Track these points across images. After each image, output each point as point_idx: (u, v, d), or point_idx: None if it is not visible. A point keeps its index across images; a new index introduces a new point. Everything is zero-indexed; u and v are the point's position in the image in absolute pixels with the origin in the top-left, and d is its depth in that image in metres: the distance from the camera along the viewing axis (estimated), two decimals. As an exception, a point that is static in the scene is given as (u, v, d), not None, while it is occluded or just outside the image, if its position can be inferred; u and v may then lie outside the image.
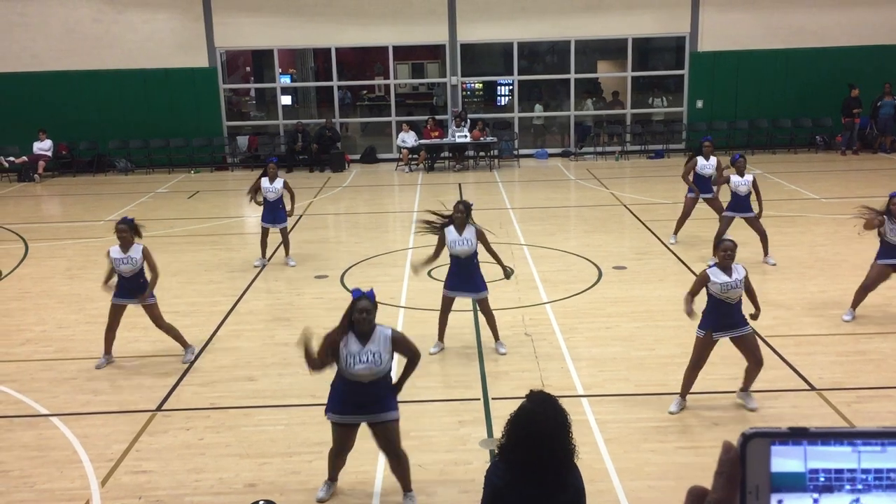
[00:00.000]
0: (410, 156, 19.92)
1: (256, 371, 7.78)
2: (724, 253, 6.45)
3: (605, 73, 23.20)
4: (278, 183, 11.02)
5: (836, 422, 6.39)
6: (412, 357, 5.32)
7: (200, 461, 6.11)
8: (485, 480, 3.71)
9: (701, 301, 6.64)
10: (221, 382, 7.57)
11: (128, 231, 7.79)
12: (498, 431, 3.80)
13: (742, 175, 10.63)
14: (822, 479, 0.86)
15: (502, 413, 3.81)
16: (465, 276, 7.76)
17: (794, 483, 0.87)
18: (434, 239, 7.99)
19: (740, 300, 6.48)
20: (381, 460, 5.98)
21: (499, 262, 7.91)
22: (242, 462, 6.08)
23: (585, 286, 10.08)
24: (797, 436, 0.88)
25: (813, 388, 7.01)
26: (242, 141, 21.26)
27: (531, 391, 3.81)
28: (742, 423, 6.44)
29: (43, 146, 19.83)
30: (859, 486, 0.86)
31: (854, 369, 7.42)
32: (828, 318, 8.70)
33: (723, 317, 6.45)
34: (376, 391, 5.22)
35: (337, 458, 5.50)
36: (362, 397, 5.20)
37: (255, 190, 11.10)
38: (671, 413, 6.63)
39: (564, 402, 3.81)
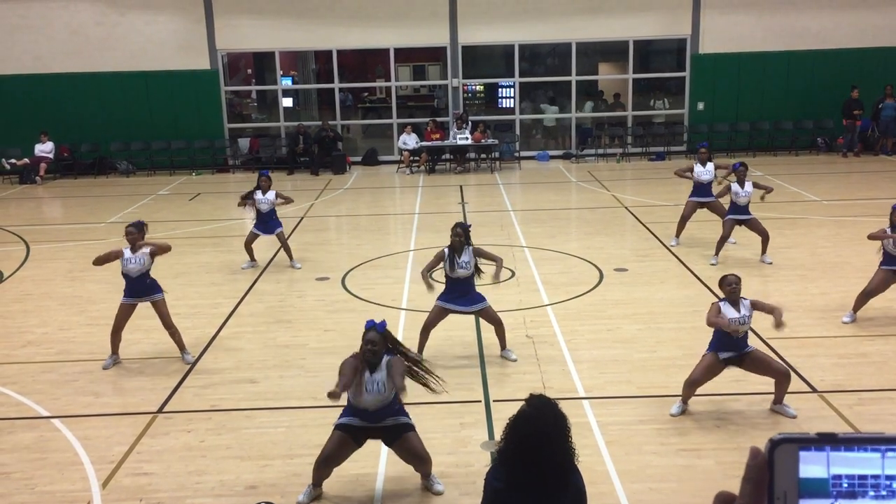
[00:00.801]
0: (411, 158, 19.93)
1: (258, 373, 7.78)
2: (730, 288, 6.45)
3: (606, 75, 23.21)
4: (270, 195, 11.11)
5: (837, 424, 6.38)
6: (394, 386, 5.31)
7: (201, 463, 6.11)
8: (484, 484, 3.71)
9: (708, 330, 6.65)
10: (223, 384, 7.57)
11: (135, 233, 7.92)
12: (499, 433, 3.81)
13: (742, 185, 10.67)
14: (845, 485, 0.86)
15: (503, 415, 3.81)
16: (461, 293, 7.74)
17: (817, 489, 0.86)
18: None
19: (747, 333, 6.51)
20: (383, 461, 5.99)
21: (497, 263, 7.84)
22: (243, 464, 6.08)
23: (587, 288, 10.08)
24: (826, 441, 0.87)
25: (814, 391, 7.01)
26: (244, 143, 21.28)
27: (531, 395, 3.81)
28: (743, 426, 6.44)
29: (44, 148, 19.85)
30: (883, 493, 0.85)
31: (856, 371, 7.41)
32: (829, 320, 8.69)
33: (729, 345, 6.48)
34: (392, 402, 5.40)
35: (323, 468, 5.49)
36: (371, 417, 5.39)
37: (247, 199, 11.24)
38: (672, 415, 6.63)
39: (565, 405, 3.81)
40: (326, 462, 5.45)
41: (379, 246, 12.60)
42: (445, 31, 20.44)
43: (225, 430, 6.64)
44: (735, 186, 10.70)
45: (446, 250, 7.68)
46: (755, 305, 6.50)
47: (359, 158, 21.30)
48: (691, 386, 6.58)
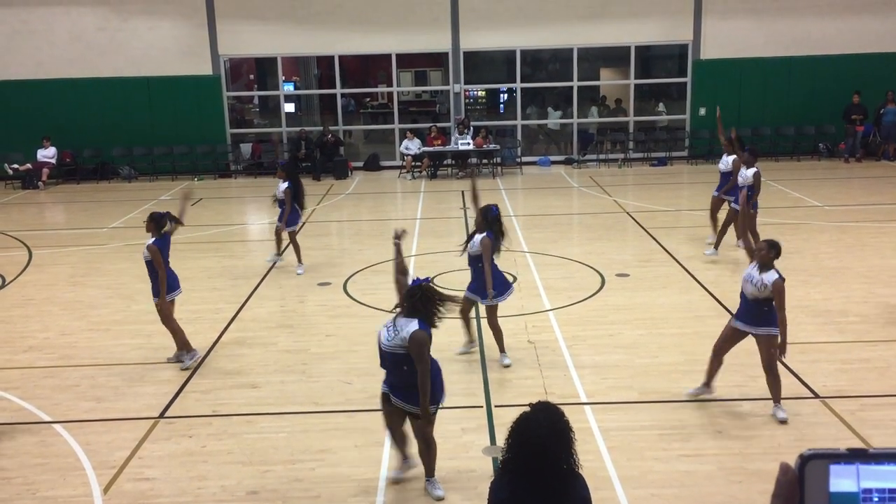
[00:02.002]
0: (413, 163, 19.95)
1: (259, 378, 7.78)
2: (760, 253, 6.41)
3: (607, 80, 23.22)
4: (282, 185, 11.30)
5: (840, 430, 6.37)
6: (413, 365, 5.30)
7: (203, 468, 6.11)
8: (489, 494, 3.67)
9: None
10: (224, 389, 7.57)
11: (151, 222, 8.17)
12: (501, 439, 3.80)
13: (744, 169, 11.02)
14: (875, 498, 0.86)
15: (505, 420, 3.80)
16: (474, 277, 7.87)
17: (847, 503, 0.86)
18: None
19: (758, 303, 6.38)
20: (385, 460, 6.02)
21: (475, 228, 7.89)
22: (245, 469, 6.07)
23: (588, 293, 10.07)
24: (856, 457, 0.87)
25: (817, 397, 6.99)
26: (246, 148, 21.31)
27: (538, 402, 3.78)
28: (745, 432, 6.42)
29: (47, 153, 19.89)
30: None
31: (858, 377, 7.40)
32: (831, 325, 8.68)
33: (742, 314, 6.55)
34: (403, 378, 5.36)
35: (390, 434, 5.76)
36: (391, 377, 5.46)
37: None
38: (689, 394, 6.87)
39: (568, 410, 3.79)
40: (387, 426, 5.72)
41: (381, 251, 12.59)
42: (447, 37, 20.47)
43: (226, 436, 6.63)
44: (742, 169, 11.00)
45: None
46: (776, 289, 6.26)
47: (360, 164, 21.33)
48: (715, 354, 6.74)
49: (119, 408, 7.26)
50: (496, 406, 6.99)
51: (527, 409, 3.62)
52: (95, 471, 6.09)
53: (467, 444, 6.34)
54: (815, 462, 0.88)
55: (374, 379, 7.62)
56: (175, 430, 6.75)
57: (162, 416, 7.04)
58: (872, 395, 7.04)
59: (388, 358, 5.35)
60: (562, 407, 3.75)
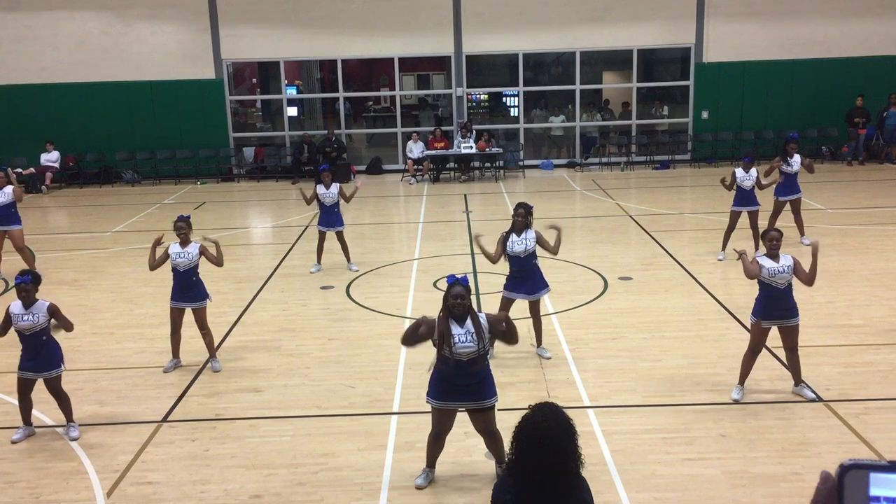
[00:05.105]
0: (416, 167, 19.96)
1: (262, 382, 7.79)
2: (770, 243, 6.78)
3: (610, 83, 23.23)
4: (334, 188, 11.39)
5: (843, 434, 6.36)
6: (507, 339, 5.62)
7: (206, 472, 6.11)
8: (492, 496, 3.66)
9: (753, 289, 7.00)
10: (227, 393, 7.58)
11: (186, 228, 8.11)
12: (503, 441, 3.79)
13: (747, 171, 11.41)
14: None
15: (508, 423, 3.80)
16: (523, 277, 7.94)
17: None
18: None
19: (790, 287, 6.75)
20: (390, 452, 6.03)
21: (555, 248, 8.02)
22: (248, 473, 6.08)
23: (591, 297, 10.07)
24: None
25: (820, 400, 6.98)
26: (248, 152, 21.34)
27: (539, 403, 3.77)
28: (749, 435, 6.42)
29: (50, 158, 19.94)
30: None
31: (862, 380, 7.39)
32: (835, 328, 8.66)
33: (773, 302, 6.73)
34: (476, 375, 5.52)
35: (436, 442, 5.76)
36: (463, 379, 5.49)
37: (314, 198, 11.44)
38: (734, 400, 6.90)
39: (570, 414, 3.79)
40: (439, 435, 5.72)
41: (383, 254, 12.62)
42: (450, 41, 20.50)
43: (229, 439, 6.64)
44: (740, 173, 11.42)
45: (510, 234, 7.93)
46: (797, 265, 6.76)
47: (363, 167, 21.35)
48: (750, 355, 6.92)
49: (122, 412, 7.27)
50: (499, 409, 6.97)
51: (529, 410, 3.62)
52: (98, 475, 6.10)
53: (470, 447, 6.34)
54: (856, 472, 0.89)
55: (377, 383, 7.66)
56: (178, 434, 6.76)
57: (165, 419, 7.04)
58: (876, 398, 7.03)
59: (477, 361, 5.48)
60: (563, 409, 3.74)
